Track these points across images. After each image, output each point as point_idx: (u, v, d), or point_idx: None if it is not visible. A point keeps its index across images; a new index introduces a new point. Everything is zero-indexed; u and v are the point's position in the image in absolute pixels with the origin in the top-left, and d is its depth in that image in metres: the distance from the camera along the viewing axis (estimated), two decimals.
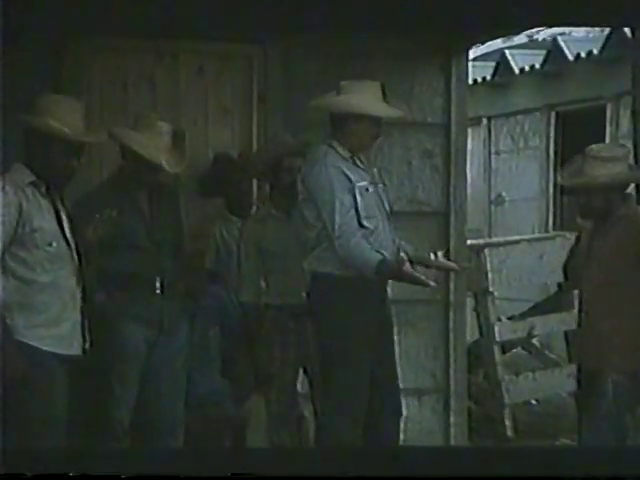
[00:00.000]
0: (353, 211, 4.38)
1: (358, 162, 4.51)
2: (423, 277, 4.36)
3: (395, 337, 4.72)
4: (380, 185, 4.60)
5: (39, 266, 3.95)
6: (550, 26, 7.97)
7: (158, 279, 4.50)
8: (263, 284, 4.98)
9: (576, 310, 4.88)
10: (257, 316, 4.97)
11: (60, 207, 4.07)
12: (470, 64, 6.37)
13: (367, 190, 4.45)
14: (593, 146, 4.49)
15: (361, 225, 4.39)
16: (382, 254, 4.36)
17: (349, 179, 4.41)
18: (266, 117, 5.68)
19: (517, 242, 7.02)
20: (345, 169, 4.42)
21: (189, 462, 3.76)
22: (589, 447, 4.30)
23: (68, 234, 4.05)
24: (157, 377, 4.51)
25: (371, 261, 4.33)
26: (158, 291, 4.51)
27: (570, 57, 9.09)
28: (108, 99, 5.40)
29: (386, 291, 4.59)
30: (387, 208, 4.56)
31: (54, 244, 3.98)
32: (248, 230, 5.08)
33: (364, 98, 4.44)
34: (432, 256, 4.55)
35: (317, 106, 4.58)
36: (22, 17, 3.82)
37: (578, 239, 4.73)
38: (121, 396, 4.44)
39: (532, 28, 8.17)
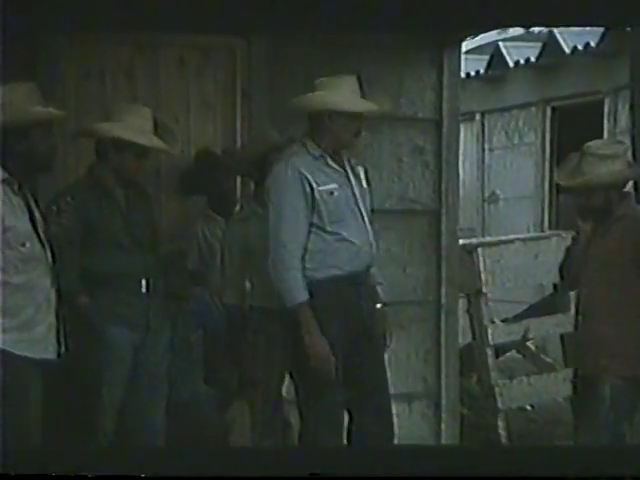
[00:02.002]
0: (304, 226, 4.36)
1: (331, 162, 4.46)
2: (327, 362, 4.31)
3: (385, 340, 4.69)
4: (362, 186, 4.53)
5: (11, 267, 3.90)
6: (548, 26, 7.96)
7: (143, 278, 4.49)
8: (248, 285, 4.97)
9: (573, 312, 4.88)
10: (241, 319, 4.96)
11: (33, 206, 4.04)
12: (463, 57, 6.36)
13: (332, 194, 4.39)
14: (591, 143, 4.48)
15: (326, 231, 4.38)
16: (309, 296, 4.32)
17: (310, 184, 4.37)
18: (250, 112, 5.66)
19: (511, 242, 7.01)
20: (307, 172, 4.38)
21: (183, 462, 3.78)
22: (586, 447, 4.32)
23: (42, 234, 4.02)
24: (139, 381, 4.49)
25: (294, 296, 4.34)
26: (144, 290, 4.49)
27: (567, 50, 9.09)
28: (84, 93, 5.37)
29: (366, 294, 4.52)
30: (363, 209, 4.48)
31: (27, 244, 3.93)
32: (232, 229, 5.07)
33: (339, 94, 4.43)
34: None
35: (295, 105, 4.57)
36: None
37: (575, 238, 4.73)
38: (107, 402, 4.42)
39: (529, 27, 8.15)
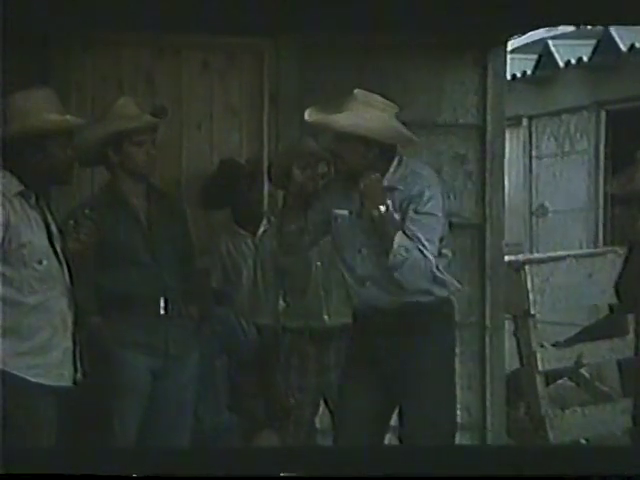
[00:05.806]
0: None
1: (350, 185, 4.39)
2: None
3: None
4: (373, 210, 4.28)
5: (27, 286, 3.94)
6: (602, 24, 7.95)
7: (162, 299, 4.52)
8: (282, 304, 5.01)
9: (631, 336, 4.90)
10: (274, 340, 5.00)
11: (50, 220, 4.07)
12: (509, 57, 6.40)
13: (337, 219, 4.40)
14: None
15: None
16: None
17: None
18: (278, 119, 5.71)
19: (562, 258, 7.02)
20: (333, 195, 4.47)
21: (192, 463, 3.85)
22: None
23: (59, 251, 4.04)
24: (159, 411, 4.53)
25: None
26: (162, 312, 4.53)
27: (622, 48, 9.09)
28: (101, 99, 5.45)
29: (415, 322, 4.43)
30: (365, 241, 4.31)
31: (44, 262, 3.96)
32: (265, 244, 5.10)
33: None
34: None
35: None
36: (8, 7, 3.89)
37: (631, 254, 4.76)
38: (121, 434, 4.46)
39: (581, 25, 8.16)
